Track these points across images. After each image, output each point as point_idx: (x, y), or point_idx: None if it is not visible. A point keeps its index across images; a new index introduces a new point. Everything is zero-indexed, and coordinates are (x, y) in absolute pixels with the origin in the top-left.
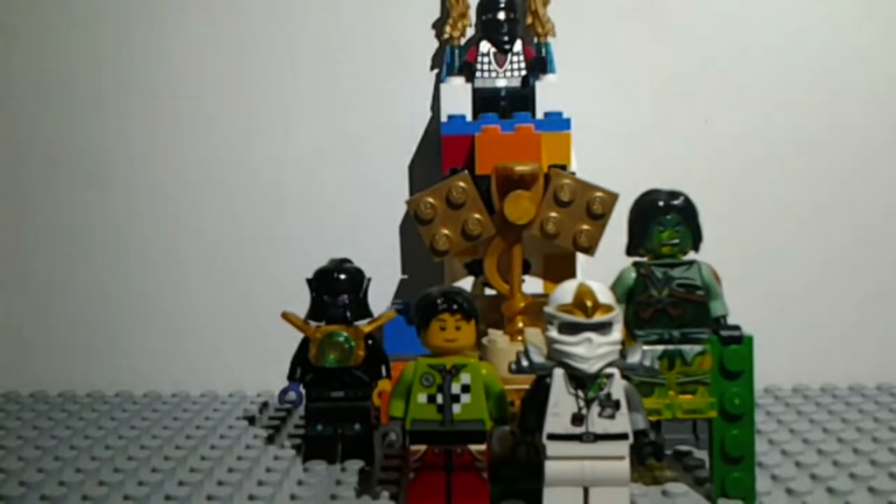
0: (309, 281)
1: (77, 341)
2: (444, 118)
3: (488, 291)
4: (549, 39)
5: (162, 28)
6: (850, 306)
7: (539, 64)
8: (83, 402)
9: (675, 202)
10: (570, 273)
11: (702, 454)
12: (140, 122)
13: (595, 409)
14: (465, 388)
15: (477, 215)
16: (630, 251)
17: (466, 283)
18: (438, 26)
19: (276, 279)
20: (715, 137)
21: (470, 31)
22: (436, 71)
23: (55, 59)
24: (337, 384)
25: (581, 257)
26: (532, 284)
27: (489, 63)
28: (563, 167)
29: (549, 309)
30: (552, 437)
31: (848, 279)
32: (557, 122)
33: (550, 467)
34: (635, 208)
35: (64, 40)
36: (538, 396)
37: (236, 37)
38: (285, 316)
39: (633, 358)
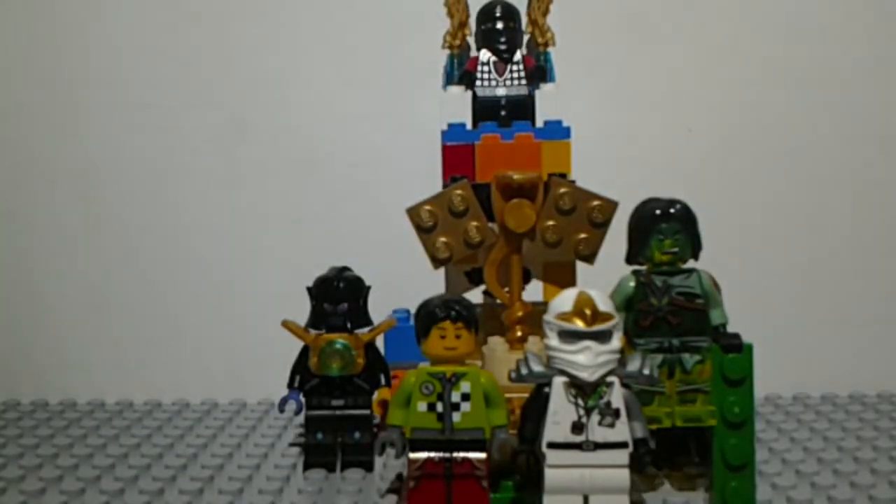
0: (309, 289)
1: (77, 350)
2: (444, 127)
3: (488, 299)
4: (549, 48)
5: (161, 35)
6: (851, 315)
7: (539, 73)
8: (83, 410)
9: (675, 210)
10: (570, 281)
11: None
12: (141, 130)
13: (595, 417)
14: (465, 397)
15: (477, 223)
16: (630, 259)
17: (473, 295)
18: (441, 34)
19: (276, 287)
20: (715, 145)
21: (470, 40)
22: (437, 79)
23: (53, 66)
24: (337, 392)
25: (580, 265)
26: (532, 292)
27: (489, 72)
28: (563, 175)
29: (548, 317)
30: (552, 445)
31: (849, 287)
32: (557, 131)
33: (550, 475)
34: (634, 217)
35: (60, 43)
36: (538, 405)
37: (239, 41)
38: (285, 324)
39: (633, 366)
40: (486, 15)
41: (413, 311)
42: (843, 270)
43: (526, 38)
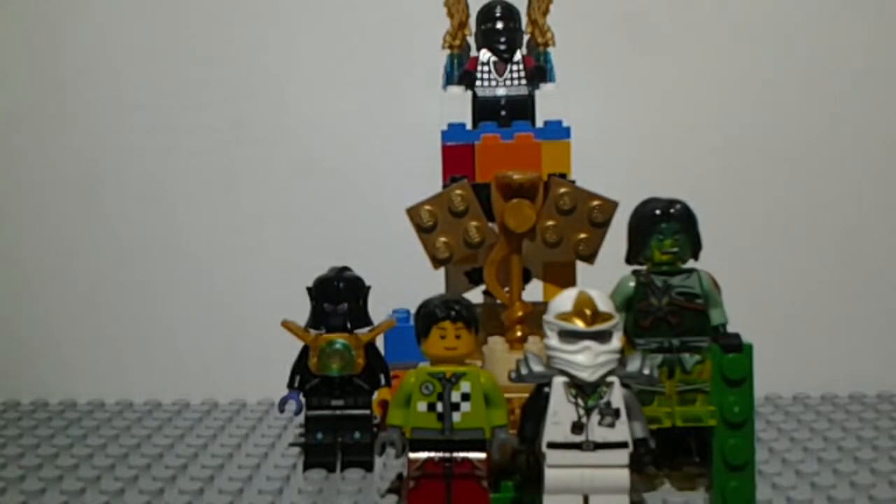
0: (309, 289)
1: (77, 350)
2: (444, 127)
3: (489, 299)
4: (549, 48)
5: (158, 35)
6: (851, 315)
7: (539, 73)
8: (83, 410)
9: (675, 210)
10: (570, 281)
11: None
12: (139, 131)
13: (595, 417)
14: (465, 397)
15: (477, 223)
16: (630, 259)
17: (473, 295)
18: (441, 34)
19: (276, 287)
20: (715, 145)
21: (470, 40)
22: (437, 79)
23: (48, 67)
24: (337, 392)
25: (580, 265)
26: (532, 292)
27: (489, 72)
28: (563, 175)
29: (548, 317)
30: (552, 445)
31: (849, 287)
32: (557, 131)
33: (550, 475)
34: (635, 217)
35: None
36: (538, 405)
37: (237, 42)
38: (285, 324)
39: (633, 366)
40: (485, 15)
41: (413, 311)
42: (842, 270)
43: (526, 37)
